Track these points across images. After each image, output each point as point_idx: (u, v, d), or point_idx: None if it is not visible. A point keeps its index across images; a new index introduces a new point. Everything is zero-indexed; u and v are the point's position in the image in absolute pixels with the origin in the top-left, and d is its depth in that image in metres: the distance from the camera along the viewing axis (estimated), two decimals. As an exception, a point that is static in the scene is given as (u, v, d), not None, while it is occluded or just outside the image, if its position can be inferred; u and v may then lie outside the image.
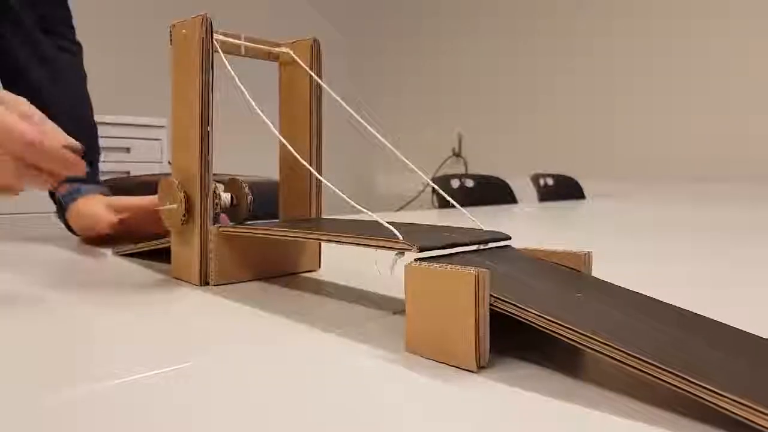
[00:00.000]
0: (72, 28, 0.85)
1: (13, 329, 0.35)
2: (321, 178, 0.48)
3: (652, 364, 0.24)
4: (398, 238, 0.34)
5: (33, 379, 0.27)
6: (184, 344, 0.33)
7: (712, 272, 0.61)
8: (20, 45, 0.78)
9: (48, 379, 0.27)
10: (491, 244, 0.40)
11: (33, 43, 0.78)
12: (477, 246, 0.39)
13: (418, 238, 0.35)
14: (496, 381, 0.28)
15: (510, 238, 0.41)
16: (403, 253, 0.34)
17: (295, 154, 0.47)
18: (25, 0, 0.78)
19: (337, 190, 0.42)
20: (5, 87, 0.78)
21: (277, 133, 0.50)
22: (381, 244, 0.35)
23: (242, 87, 0.46)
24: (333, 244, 0.39)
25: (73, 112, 0.79)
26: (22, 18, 0.77)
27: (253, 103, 0.45)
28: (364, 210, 0.41)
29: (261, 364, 0.30)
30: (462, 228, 0.42)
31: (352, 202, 0.41)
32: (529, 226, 1.11)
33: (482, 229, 0.43)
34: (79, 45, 0.85)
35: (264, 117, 0.45)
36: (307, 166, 0.47)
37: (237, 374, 0.28)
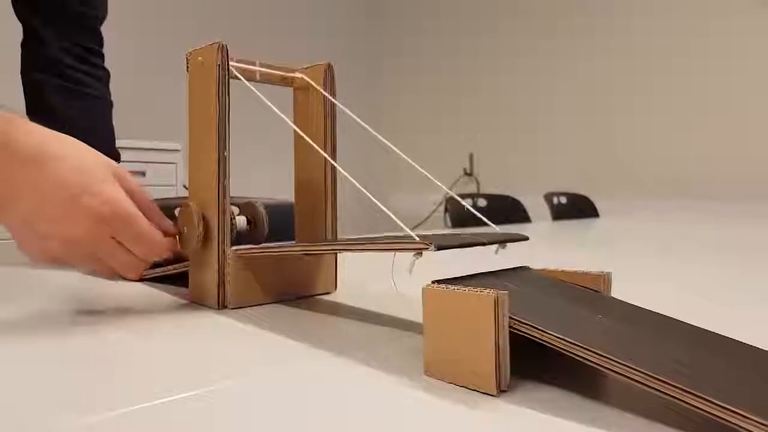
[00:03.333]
0: (102, 55, 0.87)
1: (35, 355, 0.35)
2: (364, 190, 0.48)
3: (678, 388, 0.23)
4: (414, 239, 0.34)
5: (54, 404, 0.28)
6: (204, 370, 0.33)
7: (731, 292, 0.60)
8: (48, 69, 0.80)
9: (68, 404, 0.28)
10: (508, 249, 0.39)
11: (61, 69, 0.80)
12: (496, 246, 0.38)
13: (435, 239, 0.34)
14: (518, 405, 0.27)
15: (527, 239, 0.41)
16: (420, 254, 0.34)
17: (333, 163, 0.47)
18: (59, 28, 0.80)
19: (376, 200, 0.42)
20: (29, 111, 0.80)
21: (311, 142, 0.50)
22: (397, 246, 0.35)
23: (271, 105, 0.46)
24: (349, 265, 0.39)
25: (98, 138, 0.81)
26: (52, 44, 0.80)
27: (285, 117, 0.46)
28: (393, 217, 0.41)
29: (279, 391, 0.30)
30: (479, 232, 0.42)
31: (386, 210, 0.40)
32: (544, 246, 1.10)
33: (499, 232, 0.43)
34: (106, 71, 0.87)
35: (296, 128, 0.46)
36: (340, 170, 0.47)
37: (256, 400, 0.28)
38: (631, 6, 2.81)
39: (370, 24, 3.95)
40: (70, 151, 0.43)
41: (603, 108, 2.91)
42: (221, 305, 0.46)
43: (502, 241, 0.39)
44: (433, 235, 0.40)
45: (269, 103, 0.46)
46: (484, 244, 0.37)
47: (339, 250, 0.40)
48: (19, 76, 0.82)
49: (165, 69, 2.67)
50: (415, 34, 3.76)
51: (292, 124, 0.51)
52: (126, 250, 0.45)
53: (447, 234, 0.40)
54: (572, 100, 3.02)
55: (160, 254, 0.48)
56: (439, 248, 0.33)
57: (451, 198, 1.76)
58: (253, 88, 0.49)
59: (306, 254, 0.49)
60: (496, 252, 0.39)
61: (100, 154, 0.46)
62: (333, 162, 0.51)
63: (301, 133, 0.50)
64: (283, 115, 0.47)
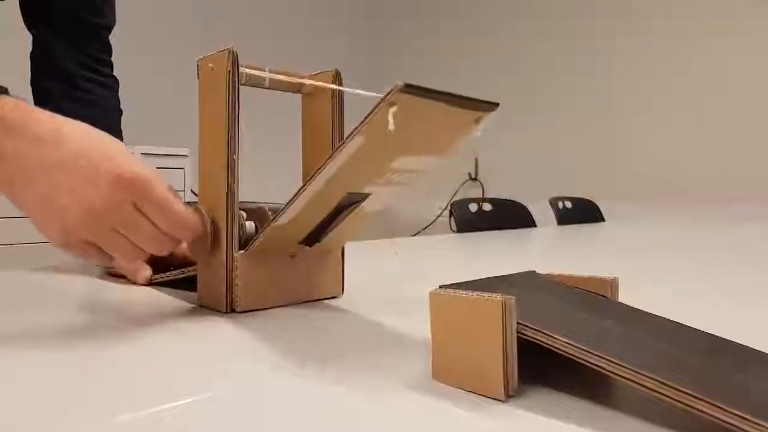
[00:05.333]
0: (111, 64, 0.87)
1: (40, 360, 0.36)
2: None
3: (687, 393, 0.23)
4: (381, 96, 0.34)
5: (53, 412, 0.28)
6: (209, 375, 0.33)
7: (739, 296, 0.60)
8: (57, 78, 0.80)
9: (68, 412, 0.28)
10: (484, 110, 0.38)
11: (72, 79, 0.81)
12: (458, 101, 0.38)
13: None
14: (525, 410, 0.27)
15: (497, 105, 0.41)
16: (394, 104, 0.34)
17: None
18: (69, 38, 0.81)
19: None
20: None
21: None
22: (372, 112, 0.35)
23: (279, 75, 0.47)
24: (355, 269, 0.39)
25: None
26: (62, 54, 0.80)
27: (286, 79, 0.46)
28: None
29: (283, 397, 0.30)
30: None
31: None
32: (550, 250, 1.10)
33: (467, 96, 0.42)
34: (116, 80, 0.87)
35: (305, 80, 0.46)
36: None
37: (260, 406, 0.28)
38: (634, 8, 2.80)
39: (370, 24, 3.95)
40: (87, 129, 0.43)
41: (608, 112, 2.91)
42: (229, 309, 0.46)
43: (470, 99, 0.38)
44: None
45: (281, 79, 0.47)
46: (451, 95, 0.37)
47: (332, 158, 0.39)
48: (28, 84, 0.83)
49: (172, 74, 2.69)
50: (416, 35, 3.75)
51: (298, 81, 0.51)
52: (149, 222, 0.43)
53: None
54: (577, 103, 3.02)
55: (185, 228, 0.44)
56: (407, 86, 0.33)
57: (456, 202, 1.76)
58: (263, 76, 0.49)
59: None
60: (477, 129, 0.39)
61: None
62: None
63: (307, 81, 0.50)
64: (285, 78, 0.46)
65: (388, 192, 0.45)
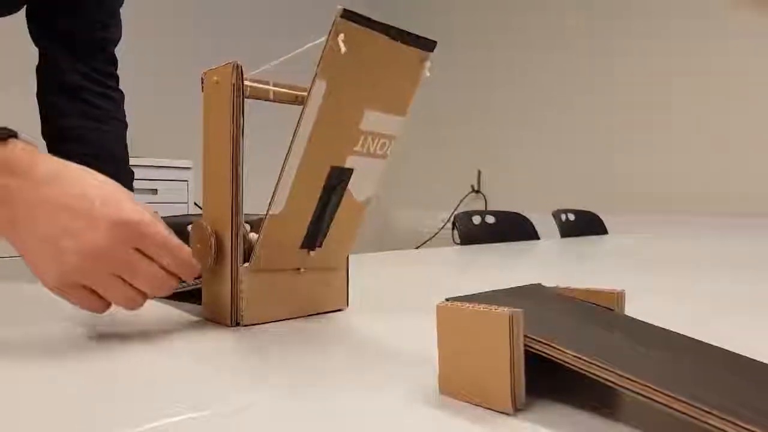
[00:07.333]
0: (116, 77, 0.88)
1: (36, 375, 0.35)
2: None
3: (698, 408, 0.23)
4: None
5: (51, 426, 0.27)
6: (209, 391, 0.33)
7: (746, 308, 0.59)
8: (63, 92, 0.81)
9: (66, 426, 0.27)
10: None
11: (78, 93, 0.81)
12: (397, 34, 0.41)
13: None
14: (533, 423, 0.27)
15: (435, 43, 0.43)
16: (340, 32, 0.38)
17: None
18: (76, 53, 0.82)
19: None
20: (44, 133, 0.81)
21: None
22: (323, 52, 0.38)
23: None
24: (360, 282, 0.39)
25: (113, 158, 0.82)
26: (69, 69, 0.81)
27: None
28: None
29: (286, 413, 0.30)
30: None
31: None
32: (554, 263, 1.10)
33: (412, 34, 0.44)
34: (121, 93, 0.88)
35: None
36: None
37: (259, 424, 0.28)
38: (635, 25, 2.82)
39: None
40: (91, 173, 0.44)
41: (611, 125, 2.92)
42: (234, 323, 0.46)
43: (406, 33, 0.41)
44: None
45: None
46: (389, 27, 0.40)
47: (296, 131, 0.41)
48: (34, 97, 0.84)
49: (174, 84, 2.71)
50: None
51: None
52: (149, 261, 0.43)
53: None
54: (580, 117, 3.03)
55: (188, 266, 0.45)
56: (346, 11, 0.38)
57: (459, 215, 1.76)
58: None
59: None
60: (425, 71, 0.43)
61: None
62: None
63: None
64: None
65: (368, 166, 0.47)
